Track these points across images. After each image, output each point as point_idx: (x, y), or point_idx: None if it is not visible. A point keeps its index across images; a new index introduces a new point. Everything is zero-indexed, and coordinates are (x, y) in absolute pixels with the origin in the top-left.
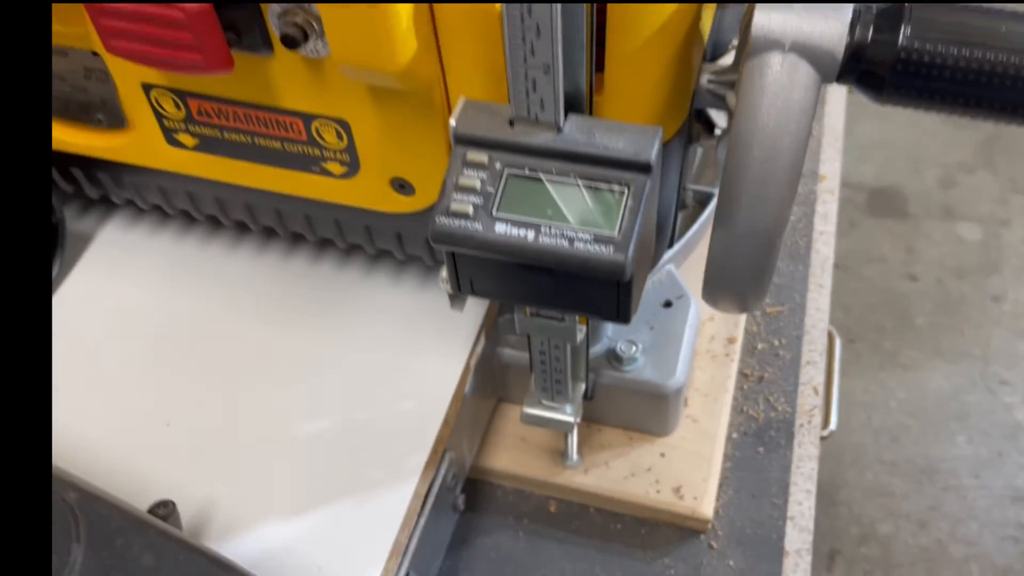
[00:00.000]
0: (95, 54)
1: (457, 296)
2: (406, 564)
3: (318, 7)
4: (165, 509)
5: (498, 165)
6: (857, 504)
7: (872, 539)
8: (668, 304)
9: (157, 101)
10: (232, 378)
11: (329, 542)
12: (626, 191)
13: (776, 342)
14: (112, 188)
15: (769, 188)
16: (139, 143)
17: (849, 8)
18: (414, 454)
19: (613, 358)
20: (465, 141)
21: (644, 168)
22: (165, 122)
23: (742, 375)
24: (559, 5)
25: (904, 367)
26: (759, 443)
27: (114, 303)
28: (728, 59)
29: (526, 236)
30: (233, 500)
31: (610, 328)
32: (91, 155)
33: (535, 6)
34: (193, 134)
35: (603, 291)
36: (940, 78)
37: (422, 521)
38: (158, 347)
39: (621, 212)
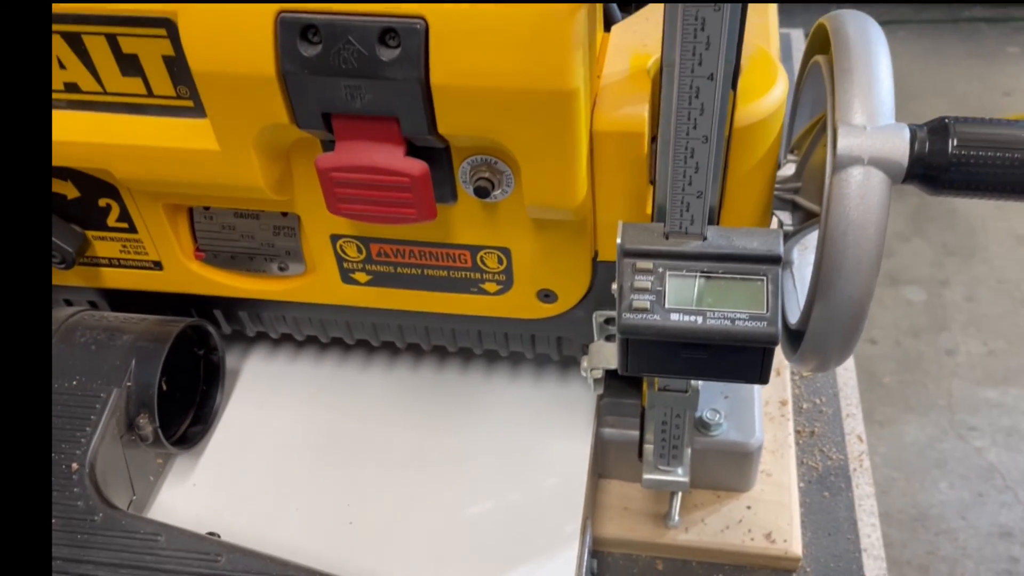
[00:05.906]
0: (285, 214)
1: (601, 380)
2: None
3: (522, 167)
4: None
5: (661, 269)
6: None
7: None
8: None
9: (341, 248)
10: (393, 477)
11: None
12: (765, 278)
13: (817, 400)
14: (273, 325)
15: (861, 266)
16: (317, 284)
17: (905, 127)
18: (568, 523)
19: (701, 425)
20: (632, 254)
21: (776, 260)
22: (345, 264)
23: (796, 432)
24: (714, 147)
25: (880, 423)
26: (823, 488)
27: (274, 425)
28: (786, 170)
29: (696, 321)
30: None
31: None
32: (269, 298)
33: (697, 149)
34: (368, 272)
35: (750, 359)
36: (982, 175)
37: None
38: (320, 459)
39: (765, 295)
